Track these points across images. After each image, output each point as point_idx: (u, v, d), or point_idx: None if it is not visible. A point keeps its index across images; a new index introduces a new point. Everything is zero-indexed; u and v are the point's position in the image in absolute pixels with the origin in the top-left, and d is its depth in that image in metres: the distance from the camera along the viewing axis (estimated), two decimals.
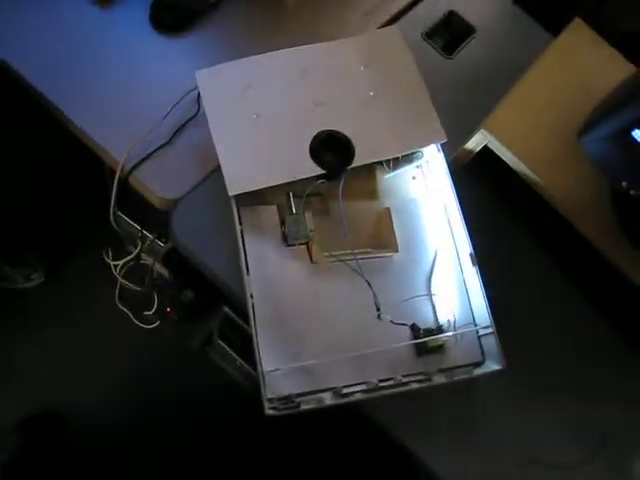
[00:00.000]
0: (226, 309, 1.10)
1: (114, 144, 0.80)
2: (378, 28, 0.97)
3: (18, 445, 1.22)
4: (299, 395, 0.69)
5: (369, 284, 0.74)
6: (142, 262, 1.20)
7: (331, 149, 0.78)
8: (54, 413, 1.30)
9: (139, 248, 0.90)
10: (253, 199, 0.77)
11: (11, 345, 1.34)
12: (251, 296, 0.71)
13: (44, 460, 1.25)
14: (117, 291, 1.31)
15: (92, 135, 0.79)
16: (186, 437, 1.34)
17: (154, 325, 1.34)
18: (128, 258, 0.93)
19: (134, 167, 0.79)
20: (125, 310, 1.35)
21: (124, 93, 0.84)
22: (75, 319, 1.38)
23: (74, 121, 0.80)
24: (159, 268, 1.18)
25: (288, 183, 0.76)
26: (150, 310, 1.23)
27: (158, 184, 0.79)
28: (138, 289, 1.12)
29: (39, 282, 1.38)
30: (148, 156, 0.80)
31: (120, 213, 0.92)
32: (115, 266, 1.16)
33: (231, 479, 1.32)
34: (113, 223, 0.82)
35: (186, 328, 1.39)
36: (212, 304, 1.29)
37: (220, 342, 1.25)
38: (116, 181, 0.79)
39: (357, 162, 0.77)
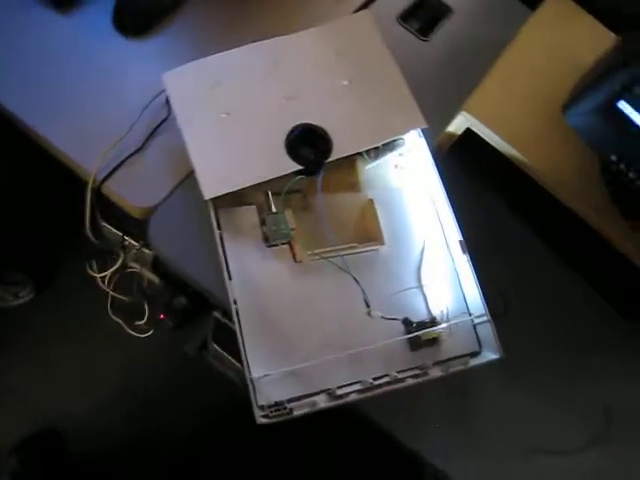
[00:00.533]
0: (216, 314, 1.07)
1: (84, 154, 0.77)
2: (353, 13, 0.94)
3: (18, 465, 1.20)
4: (291, 400, 0.67)
5: (356, 280, 0.72)
6: (131, 270, 1.18)
7: (308, 143, 0.75)
8: (52, 431, 1.28)
9: (122, 258, 0.88)
10: (231, 200, 0.74)
11: (6, 363, 1.32)
12: (234, 302, 0.69)
13: (45, 478, 1.23)
14: (109, 302, 1.29)
15: (59, 146, 0.77)
16: (186, 447, 1.32)
17: (148, 334, 1.32)
18: (112, 269, 0.90)
19: (106, 177, 0.76)
20: (118, 320, 1.33)
21: (91, 101, 0.81)
22: (69, 333, 1.36)
23: (39, 132, 0.77)
24: (149, 275, 1.16)
25: (266, 181, 0.73)
26: (142, 320, 1.21)
27: (133, 193, 0.77)
28: (125, 299, 1.10)
29: (29, 299, 1.35)
30: (120, 164, 0.77)
31: (104, 223, 0.89)
32: (103, 278, 1.14)
33: None
34: (90, 235, 0.79)
35: (181, 334, 1.38)
36: (205, 308, 1.27)
37: (215, 346, 1.23)
38: (88, 193, 0.76)
39: (335, 155, 0.75)
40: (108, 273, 1.02)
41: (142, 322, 1.21)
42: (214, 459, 1.34)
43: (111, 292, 1.11)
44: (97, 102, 0.81)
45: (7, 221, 1.26)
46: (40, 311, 1.35)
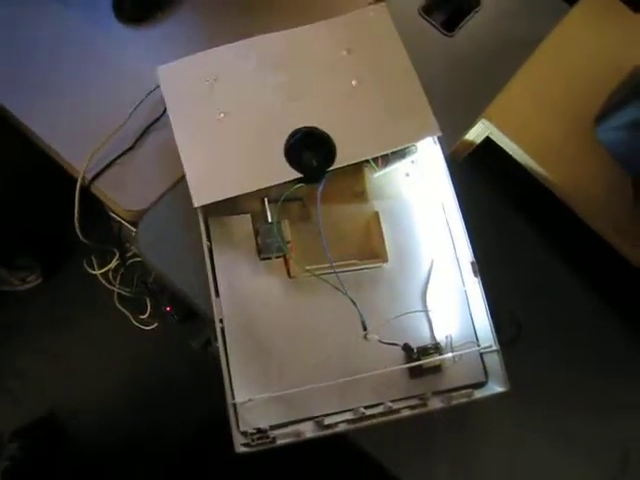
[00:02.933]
0: None
1: (74, 151, 0.73)
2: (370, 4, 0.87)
3: (18, 450, 1.20)
4: (275, 427, 0.63)
5: (353, 302, 0.67)
6: (133, 262, 1.15)
7: (310, 148, 0.70)
8: (53, 418, 1.28)
9: (117, 255, 0.84)
10: (224, 207, 0.69)
11: (11, 349, 1.32)
12: (220, 321, 0.64)
13: (44, 465, 1.23)
14: (115, 295, 1.27)
15: (48, 141, 0.73)
16: (188, 439, 1.30)
17: (153, 326, 1.30)
18: (108, 267, 0.87)
19: (96, 176, 0.72)
20: (124, 311, 1.31)
21: (84, 93, 0.77)
22: (75, 321, 1.34)
23: (29, 126, 0.73)
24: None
25: (263, 188, 0.68)
26: (145, 314, 1.18)
27: (122, 194, 0.73)
28: (127, 293, 1.07)
29: (36, 284, 1.34)
30: (111, 163, 0.73)
31: (112, 213, 0.86)
32: (104, 273, 1.12)
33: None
34: (79, 234, 0.76)
35: (188, 327, 1.34)
36: None
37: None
38: (77, 192, 0.72)
39: (339, 163, 0.69)
40: (105, 270, 0.98)
41: (145, 316, 1.19)
42: (217, 454, 1.32)
43: (116, 288, 1.09)
44: (91, 96, 0.77)
45: (16, 206, 1.25)
46: (47, 297, 1.34)
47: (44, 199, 1.23)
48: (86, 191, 0.74)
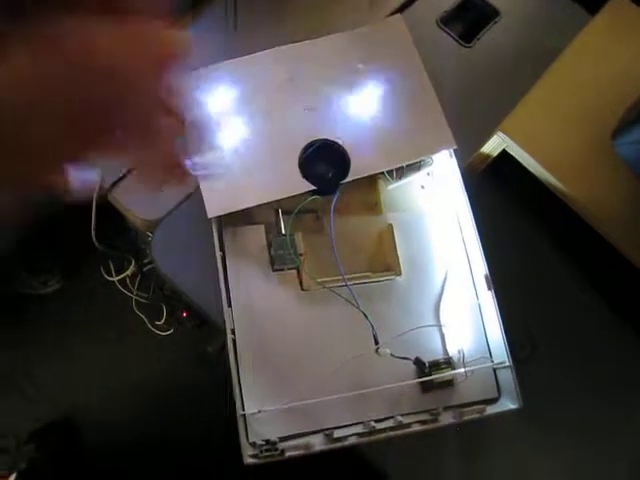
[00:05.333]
0: None
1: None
2: (387, 16, 0.87)
3: (35, 452, 1.21)
4: (284, 439, 0.63)
5: (365, 316, 0.66)
6: (150, 268, 1.16)
7: (324, 160, 0.70)
8: (69, 420, 1.29)
9: (133, 263, 0.85)
10: (238, 218, 0.69)
11: (28, 352, 1.34)
12: (232, 331, 0.64)
13: (60, 466, 1.25)
14: (133, 300, 1.28)
15: None
16: (201, 443, 1.30)
17: (169, 332, 1.31)
18: (124, 274, 0.88)
19: (112, 185, 0.73)
20: (141, 316, 1.32)
21: None
22: (92, 326, 1.35)
23: None
24: None
25: (277, 199, 0.68)
26: (161, 320, 1.19)
27: (138, 204, 0.73)
28: (144, 299, 1.08)
29: (56, 288, 1.36)
30: (127, 173, 0.73)
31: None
32: (124, 278, 1.13)
33: None
34: (95, 242, 0.77)
35: (203, 333, 1.35)
36: None
37: None
38: (94, 201, 0.73)
39: (353, 175, 0.69)
40: (122, 277, 0.99)
41: (161, 322, 1.19)
42: (226, 460, 1.32)
43: (134, 295, 1.10)
44: None
45: (42, 209, 1.27)
46: (64, 302, 1.36)
47: (64, 204, 1.25)
48: (103, 202, 0.75)
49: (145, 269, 1.03)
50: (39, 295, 1.35)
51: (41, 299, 1.34)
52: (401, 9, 0.88)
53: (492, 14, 0.89)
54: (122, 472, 1.26)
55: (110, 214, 0.77)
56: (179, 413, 1.30)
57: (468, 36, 0.88)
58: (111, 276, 1.02)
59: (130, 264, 0.98)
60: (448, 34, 0.88)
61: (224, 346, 1.36)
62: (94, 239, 0.75)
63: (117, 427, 1.29)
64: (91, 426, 1.30)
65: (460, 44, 0.88)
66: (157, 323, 1.23)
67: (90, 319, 1.34)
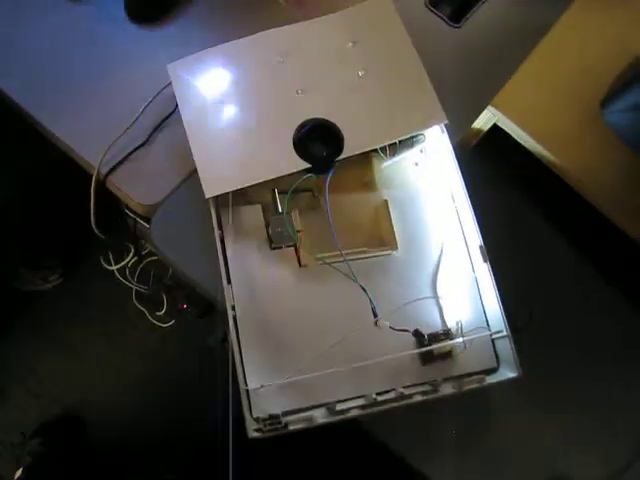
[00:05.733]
0: None
1: (89, 148, 0.74)
2: None
3: (40, 447, 1.22)
4: (287, 413, 0.63)
5: (364, 289, 0.67)
6: (150, 260, 1.17)
7: (318, 139, 0.71)
8: (73, 414, 1.30)
9: (133, 251, 0.86)
10: (236, 198, 0.70)
11: (32, 347, 1.35)
12: (232, 308, 0.65)
13: (65, 462, 1.25)
14: (133, 292, 1.29)
15: (63, 137, 0.74)
16: (203, 435, 1.31)
17: (170, 324, 1.32)
18: (124, 262, 0.89)
19: (110, 171, 0.74)
20: (142, 309, 1.33)
21: (98, 91, 0.78)
22: (93, 320, 1.36)
23: (42, 123, 0.75)
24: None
25: (273, 179, 0.69)
26: (161, 310, 1.20)
27: (136, 188, 0.74)
28: (144, 290, 1.09)
29: (57, 284, 1.37)
30: (125, 158, 0.74)
31: (127, 210, 0.88)
32: (123, 268, 1.14)
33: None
34: (96, 231, 0.78)
35: (204, 324, 1.36)
36: None
37: None
38: (93, 187, 0.74)
39: (347, 153, 0.70)
40: (120, 266, 1.00)
41: (161, 313, 1.20)
42: (232, 450, 1.33)
43: (134, 285, 1.11)
44: (104, 93, 0.78)
45: (39, 206, 1.27)
46: (65, 295, 1.36)
47: (61, 200, 1.26)
48: (101, 189, 0.76)
49: (145, 261, 1.04)
50: (41, 291, 1.35)
51: (42, 294, 1.35)
52: None
53: None
54: (125, 466, 1.27)
55: (105, 206, 0.78)
56: (182, 404, 1.31)
57: (457, 17, 0.89)
58: (110, 266, 1.02)
59: (129, 254, 0.99)
60: (437, 15, 0.89)
61: (225, 337, 1.37)
62: (93, 225, 0.76)
63: (119, 420, 1.30)
64: (94, 420, 1.30)
65: (449, 25, 0.89)
66: (158, 314, 1.24)
67: (91, 312, 1.35)
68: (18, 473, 1.18)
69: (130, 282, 1.11)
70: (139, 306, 1.32)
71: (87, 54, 0.80)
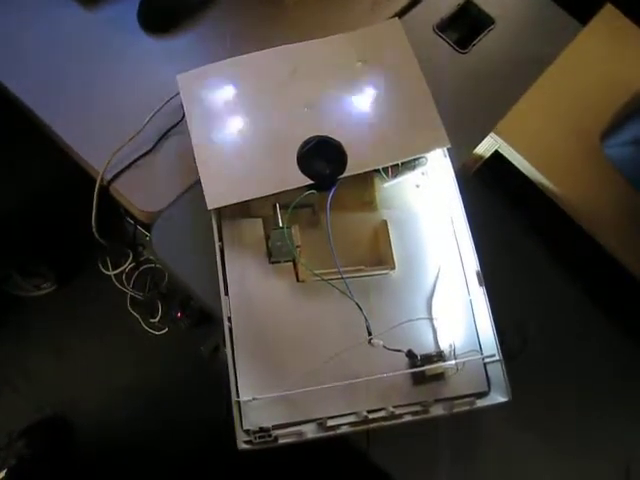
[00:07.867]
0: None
1: (95, 153, 0.75)
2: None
3: (25, 449, 1.21)
4: (278, 427, 0.64)
5: (359, 307, 0.68)
6: (147, 267, 1.17)
7: (322, 156, 0.71)
8: (61, 417, 1.29)
9: (132, 257, 0.86)
10: (237, 211, 0.71)
11: (22, 349, 1.34)
12: (229, 319, 0.66)
13: (51, 464, 1.24)
14: (127, 298, 1.29)
15: (70, 142, 0.75)
16: (195, 442, 1.30)
17: (163, 331, 1.32)
18: (123, 268, 0.89)
19: (114, 177, 0.74)
20: (136, 315, 1.32)
21: (108, 98, 0.79)
22: (86, 325, 1.35)
23: (52, 127, 0.76)
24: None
25: (276, 193, 0.70)
26: (155, 317, 1.20)
27: (139, 195, 0.75)
28: (140, 296, 1.09)
29: (49, 292, 1.36)
30: (129, 165, 0.75)
31: (128, 217, 0.88)
32: (117, 275, 1.14)
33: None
34: (97, 236, 0.78)
35: (197, 333, 1.36)
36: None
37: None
38: (96, 192, 0.74)
39: (350, 171, 0.71)
40: (119, 271, 1.00)
41: (156, 320, 1.20)
42: (220, 460, 1.32)
43: (129, 291, 1.11)
44: (113, 99, 0.79)
45: (33, 213, 1.27)
46: (59, 302, 1.36)
47: (58, 208, 1.26)
48: (103, 196, 0.76)
49: (141, 268, 1.04)
50: (34, 297, 1.35)
51: (37, 299, 1.35)
52: (399, 15, 0.91)
53: (487, 22, 0.92)
54: (115, 470, 1.26)
55: (105, 213, 0.78)
56: (172, 412, 1.30)
57: (464, 42, 0.91)
58: (108, 271, 1.02)
59: (127, 260, 0.99)
60: (444, 40, 0.91)
61: (217, 347, 1.37)
62: (94, 229, 0.77)
63: (110, 425, 1.29)
64: (84, 424, 1.29)
65: (456, 50, 0.90)
66: (152, 321, 1.24)
67: (85, 316, 1.34)
68: (2, 474, 1.17)
69: (126, 288, 1.11)
70: (133, 312, 1.31)
71: (98, 60, 0.81)
